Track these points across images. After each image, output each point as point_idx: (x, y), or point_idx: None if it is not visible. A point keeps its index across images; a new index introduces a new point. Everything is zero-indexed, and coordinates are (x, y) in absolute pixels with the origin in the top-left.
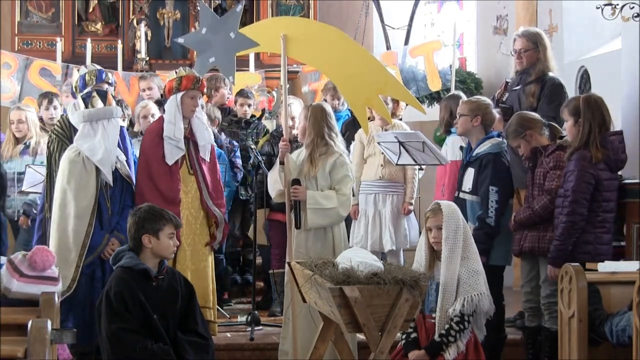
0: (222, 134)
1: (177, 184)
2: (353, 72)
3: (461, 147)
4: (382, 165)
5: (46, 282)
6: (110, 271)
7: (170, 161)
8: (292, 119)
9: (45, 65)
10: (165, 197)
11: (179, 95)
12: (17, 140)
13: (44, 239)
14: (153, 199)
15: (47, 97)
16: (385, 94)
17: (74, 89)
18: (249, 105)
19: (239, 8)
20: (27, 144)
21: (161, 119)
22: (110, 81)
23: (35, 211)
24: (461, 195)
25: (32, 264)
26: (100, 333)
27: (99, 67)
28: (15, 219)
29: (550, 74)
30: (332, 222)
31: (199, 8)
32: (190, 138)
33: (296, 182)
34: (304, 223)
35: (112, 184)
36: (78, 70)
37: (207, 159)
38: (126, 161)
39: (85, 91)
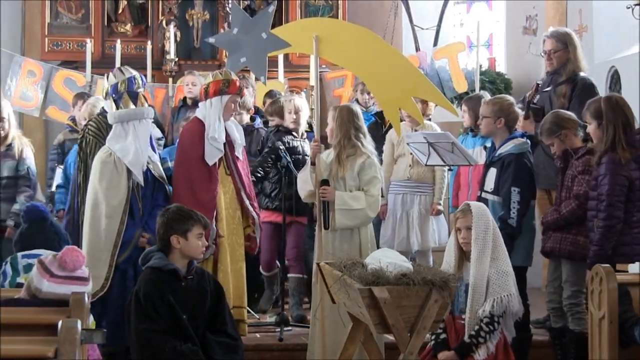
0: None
1: (215, 185)
2: (385, 73)
3: (485, 147)
4: (410, 166)
5: (76, 282)
6: (142, 270)
7: (210, 161)
8: (297, 112)
9: (69, 75)
10: (200, 201)
11: (225, 97)
12: None
13: (73, 240)
14: (189, 202)
15: (83, 98)
16: (417, 95)
17: (104, 93)
18: None
19: (271, 9)
20: (11, 144)
21: (196, 120)
22: (140, 85)
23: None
24: (483, 195)
25: (62, 264)
26: (129, 333)
27: (129, 73)
28: None
29: (582, 74)
30: (360, 223)
31: (229, 9)
32: (226, 139)
33: (325, 182)
34: (332, 224)
35: (143, 185)
36: (114, 75)
37: (241, 157)
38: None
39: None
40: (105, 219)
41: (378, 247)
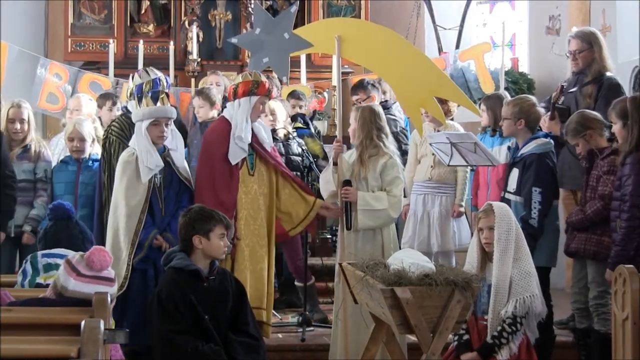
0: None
1: (236, 184)
2: (407, 74)
3: (509, 147)
4: (432, 167)
5: (103, 283)
6: (163, 270)
7: (234, 161)
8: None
9: (95, 78)
10: (221, 200)
11: (254, 99)
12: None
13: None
14: (210, 200)
15: (111, 99)
16: (440, 95)
17: (128, 94)
18: (301, 107)
19: (294, 9)
20: (27, 146)
21: (222, 119)
22: (165, 87)
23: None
24: (506, 195)
25: (89, 264)
26: (152, 334)
27: (154, 74)
28: (12, 234)
29: (608, 73)
30: (382, 224)
31: (251, 9)
32: (252, 139)
33: (347, 183)
34: (355, 224)
35: (157, 183)
36: (139, 75)
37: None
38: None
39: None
40: (125, 218)
41: (400, 248)
